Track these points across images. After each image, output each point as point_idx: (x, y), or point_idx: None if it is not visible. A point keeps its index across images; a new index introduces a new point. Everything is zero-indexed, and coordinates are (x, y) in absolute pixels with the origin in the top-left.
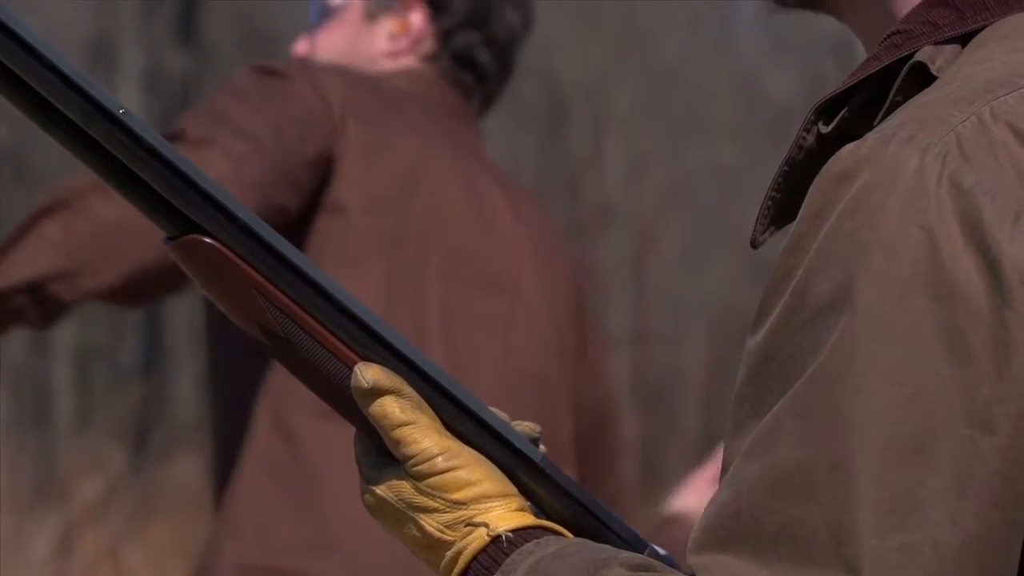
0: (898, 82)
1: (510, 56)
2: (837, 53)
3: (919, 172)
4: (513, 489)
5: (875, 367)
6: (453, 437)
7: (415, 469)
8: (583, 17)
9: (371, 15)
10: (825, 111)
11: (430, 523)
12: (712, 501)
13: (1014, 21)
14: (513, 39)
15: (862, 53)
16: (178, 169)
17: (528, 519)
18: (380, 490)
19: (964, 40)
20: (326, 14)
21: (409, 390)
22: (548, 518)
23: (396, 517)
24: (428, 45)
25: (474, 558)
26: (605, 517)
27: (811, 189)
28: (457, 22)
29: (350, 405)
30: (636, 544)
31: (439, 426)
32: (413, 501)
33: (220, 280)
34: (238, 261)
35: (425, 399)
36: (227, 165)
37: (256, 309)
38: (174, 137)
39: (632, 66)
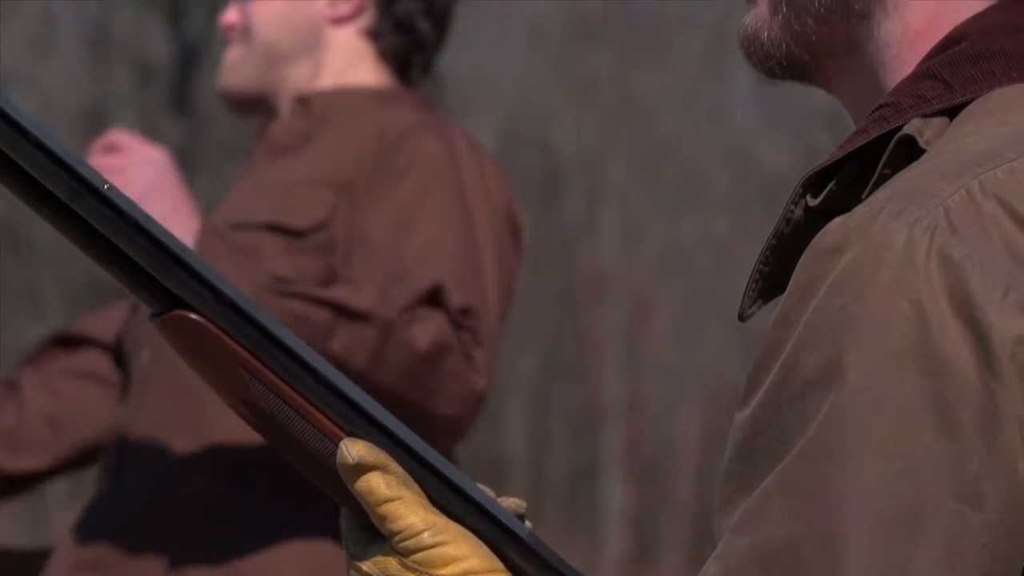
0: (886, 155)
1: (446, 25)
2: (830, 125)
3: (908, 246)
4: (499, 564)
5: (864, 442)
6: (439, 512)
7: (401, 545)
8: (578, 87)
9: None
10: (813, 184)
11: None
12: None
13: (1002, 94)
14: (449, 7)
15: (854, 124)
16: (163, 245)
17: None
18: (366, 566)
19: (952, 113)
20: None
21: (394, 465)
22: None
23: None
24: (370, 17)
25: None
26: None
27: (800, 263)
28: None
29: (335, 481)
30: None
31: (425, 501)
32: None
33: (206, 356)
34: (223, 336)
35: (411, 474)
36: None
37: (242, 385)
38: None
39: (626, 137)
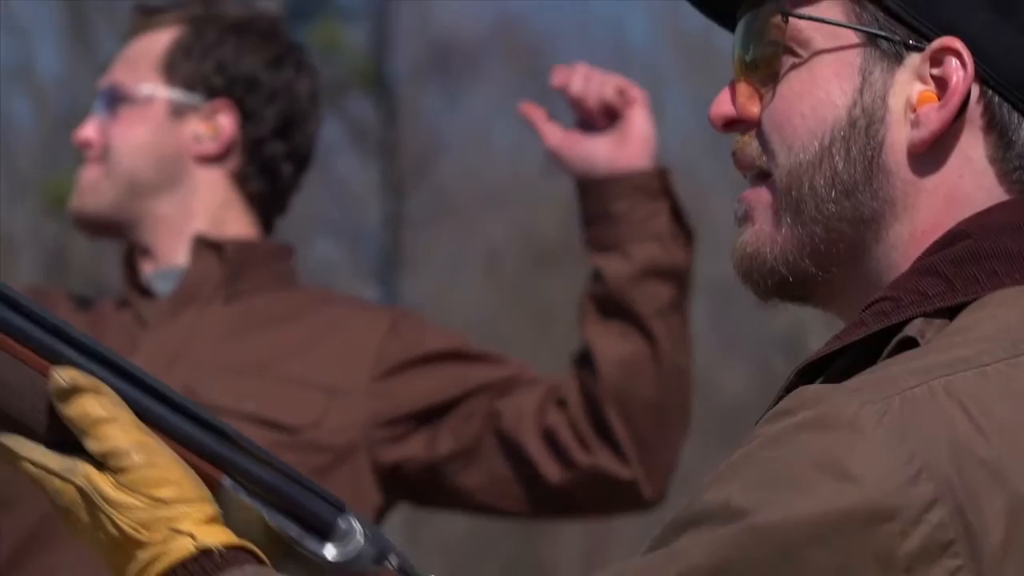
0: (886, 354)
1: (306, 168)
2: (787, 351)
3: (852, 422)
4: (208, 493)
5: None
6: (152, 435)
7: (113, 463)
8: (536, 315)
9: (177, 112)
10: (806, 374)
11: (125, 521)
12: None
13: (1001, 296)
14: (311, 150)
15: (813, 347)
16: None
17: (230, 536)
18: (73, 488)
19: (953, 311)
20: (123, 101)
21: (106, 388)
22: (247, 491)
23: (89, 516)
24: (236, 159)
25: (173, 567)
26: (307, 482)
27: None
28: (267, 132)
29: (41, 420)
30: (337, 506)
31: (138, 421)
32: (109, 497)
33: None
34: None
35: (121, 396)
36: None
37: None
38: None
39: None
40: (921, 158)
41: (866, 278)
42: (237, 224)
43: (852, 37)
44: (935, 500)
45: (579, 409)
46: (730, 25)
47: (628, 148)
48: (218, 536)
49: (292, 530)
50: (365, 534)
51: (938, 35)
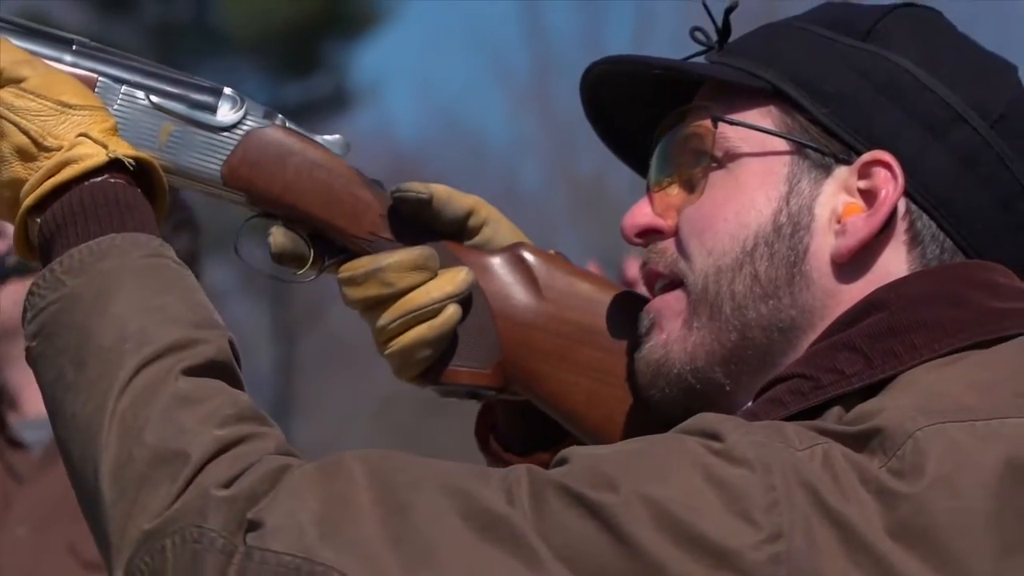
0: None
1: None
2: None
3: (732, 446)
4: (99, 102)
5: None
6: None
7: (10, 74)
8: None
9: None
10: None
11: (32, 126)
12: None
13: (909, 376)
14: None
15: None
16: None
17: (133, 149)
18: None
19: (872, 387)
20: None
21: None
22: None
23: None
24: None
25: (86, 175)
26: (183, 73)
27: None
28: None
29: None
30: (215, 87)
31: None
32: (13, 104)
33: None
34: None
35: None
36: None
37: None
38: None
39: None
40: (843, 268)
41: (763, 380)
42: None
43: (781, 145)
44: (779, 535)
45: None
46: (630, 156)
47: None
48: (124, 147)
49: (180, 108)
50: (248, 99)
51: (868, 149)
